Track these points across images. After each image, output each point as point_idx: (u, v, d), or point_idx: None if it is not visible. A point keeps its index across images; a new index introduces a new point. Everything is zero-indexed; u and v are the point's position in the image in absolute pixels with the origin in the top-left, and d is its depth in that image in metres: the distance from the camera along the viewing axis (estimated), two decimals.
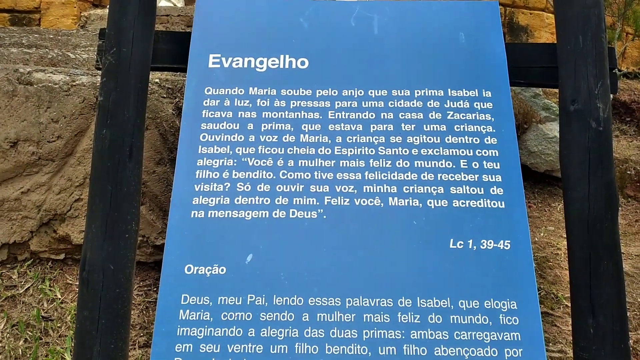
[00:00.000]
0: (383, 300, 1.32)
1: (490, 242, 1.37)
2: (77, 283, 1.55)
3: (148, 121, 1.90)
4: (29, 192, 1.84)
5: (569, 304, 2.02)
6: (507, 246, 1.37)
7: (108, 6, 1.57)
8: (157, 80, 1.98)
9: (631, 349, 2.00)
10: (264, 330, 1.30)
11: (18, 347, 1.62)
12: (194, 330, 1.30)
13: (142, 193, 1.91)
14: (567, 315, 2.12)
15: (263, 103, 1.52)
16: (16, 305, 1.74)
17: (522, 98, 3.35)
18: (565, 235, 1.60)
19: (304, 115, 1.51)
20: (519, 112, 3.27)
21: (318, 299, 1.33)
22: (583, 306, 1.36)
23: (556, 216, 3.04)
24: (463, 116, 1.51)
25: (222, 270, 1.36)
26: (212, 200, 1.42)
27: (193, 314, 1.31)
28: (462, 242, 1.37)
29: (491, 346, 1.28)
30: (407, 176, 1.44)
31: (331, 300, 1.33)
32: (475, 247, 1.37)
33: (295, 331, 1.30)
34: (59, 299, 1.77)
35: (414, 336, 1.29)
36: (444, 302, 1.32)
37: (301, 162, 1.45)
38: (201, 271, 1.36)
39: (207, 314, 1.31)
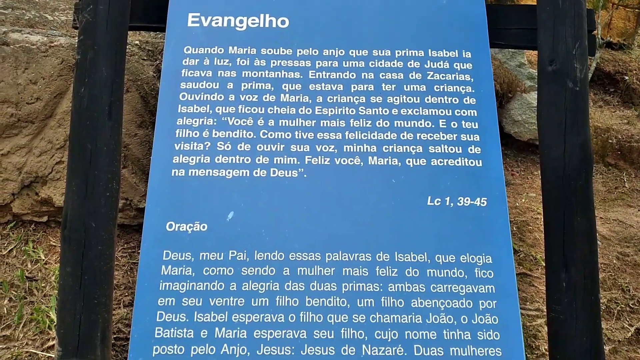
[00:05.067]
0: (362, 255, 1.35)
1: (467, 200, 1.40)
2: (60, 247, 1.56)
3: (129, 83, 1.89)
4: (9, 154, 1.83)
5: (545, 285, 2.07)
6: (483, 203, 1.40)
7: None
8: (137, 42, 1.95)
9: (605, 306, 2.07)
10: (245, 285, 1.32)
11: (2, 305, 1.64)
12: (176, 285, 1.32)
13: (124, 156, 1.91)
14: (545, 276, 2.17)
15: (243, 62, 1.52)
16: (0, 266, 1.74)
17: (507, 67, 3.36)
18: None
19: (285, 74, 1.50)
20: (504, 82, 3.29)
21: (298, 254, 1.35)
22: (556, 261, 1.40)
23: (538, 183, 3.09)
24: (443, 76, 1.52)
25: (204, 227, 1.37)
26: (192, 159, 1.43)
27: (175, 270, 1.33)
28: (439, 200, 1.40)
29: (466, 298, 1.32)
30: (387, 136, 1.45)
31: (311, 255, 1.35)
32: (452, 204, 1.40)
33: (276, 285, 1.33)
34: (43, 260, 1.78)
35: (391, 289, 1.32)
36: (421, 256, 1.35)
37: (281, 122, 1.46)
38: (182, 228, 1.37)
39: (189, 269, 1.33)
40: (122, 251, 1.90)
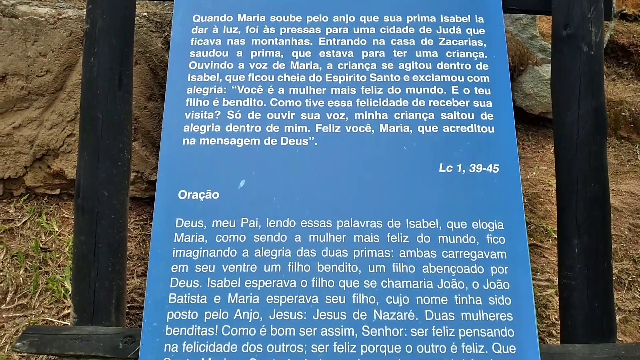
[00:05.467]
0: (373, 222, 1.35)
1: (479, 166, 1.39)
2: (74, 216, 1.57)
3: (137, 56, 1.88)
4: (21, 128, 1.84)
5: (557, 252, 2.06)
6: (495, 170, 1.39)
7: None
8: (144, 14, 1.94)
9: (615, 277, 2.06)
10: (257, 251, 1.33)
11: (19, 275, 1.66)
12: (189, 252, 1.33)
13: (134, 129, 1.91)
14: (555, 247, 2.17)
15: (252, 30, 1.50)
16: (14, 237, 1.77)
17: (519, 40, 3.30)
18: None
19: (294, 42, 1.49)
20: (515, 54, 3.23)
21: (310, 222, 1.36)
22: (569, 228, 1.39)
23: (549, 157, 3.06)
24: (455, 42, 1.49)
25: (216, 195, 1.38)
26: (202, 128, 1.42)
27: (188, 237, 1.34)
28: (451, 166, 1.39)
29: (478, 264, 1.32)
30: (398, 103, 1.44)
31: (322, 222, 1.36)
32: (464, 170, 1.39)
33: (287, 251, 1.33)
34: (57, 231, 1.80)
35: (402, 255, 1.33)
36: (432, 223, 1.35)
37: (291, 90, 1.45)
38: (194, 196, 1.38)
39: (201, 237, 1.34)
40: (134, 223, 1.92)
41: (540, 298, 1.94)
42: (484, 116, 1.43)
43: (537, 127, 3.38)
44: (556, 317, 1.85)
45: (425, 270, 1.32)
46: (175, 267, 1.32)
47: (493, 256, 1.33)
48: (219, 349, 1.27)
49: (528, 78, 3.23)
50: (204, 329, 1.28)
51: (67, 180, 1.90)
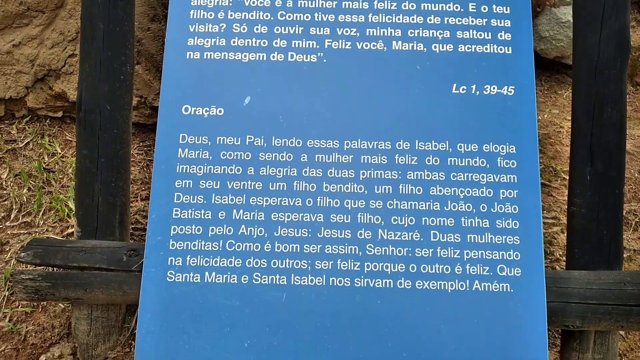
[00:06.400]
0: (381, 143, 1.32)
1: (494, 88, 1.34)
2: (76, 130, 1.54)
3: None
4: (21, 45, 1.78)
5: (567, 177, 2.02)
6: (510, 92, 1.34)
7: None
8: None
9: (624, 218, 2.05)
10: (263, 169, 1.31)
11: (22, 194, 1.66)
12: (193, 167, 1.31)
13: (137, 52, 1.85)
14: (564, 187, 2.14)
15: None
16: (17, 157, 1.75)
17: None
18: (569, 118, 1.55)
19: None
20: None
21: (316, 141, 1.32)
22: (582, 154, 1.35)
23: (561, 102, 2.99)
24: None
25: (220, 111, 1.34)
26: (207, 42, 1.37)
27: (192, 153, 1.32)
28: (465, 87, 1.34)
29: (487, 187, 1.29)
30: (413, 19, 1.37)
31: (329, 142, 1.32)
32: (478, 92, 1.34)
33: (294, 170, 1.31)
34: (59, 153, 1.78)
35: (410, 177, 1.30)
36: (442, 145, 1.32)
37: (300, 3, 1.38)
38: (199, 112, 1.34)
39: (206, 153, 1.32)
40: (137, 149, 1.89)
41: (546, 235, 1.93)
42: (501, 36, 1.36)
43: (551, 73, 3.28)
44: (561, 253, 1.84)
45: (432, 192, 1.29)
46: (179, 182, 1.30)
47: (503, 179, 1.30)
48: (223, 264, 1.26)
49: (544, 20, 3.10)
50: (208, 244, 1.27)
51: (69, 103, 1.87)
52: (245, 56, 1.36)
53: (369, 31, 1.37)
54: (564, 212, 1.99)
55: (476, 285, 1.25)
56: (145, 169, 1.83)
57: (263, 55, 1.36)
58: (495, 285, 1.25)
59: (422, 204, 1.29)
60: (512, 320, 1.24)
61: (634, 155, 2.37)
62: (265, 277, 1.26)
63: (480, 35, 1.36)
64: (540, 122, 2.58)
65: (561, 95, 3.10)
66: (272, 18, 1.37)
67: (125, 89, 1.40)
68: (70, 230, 1.61)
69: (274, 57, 1.36)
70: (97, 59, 1.37)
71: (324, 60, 1.36)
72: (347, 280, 1.25)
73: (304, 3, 1.38)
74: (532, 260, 1.26)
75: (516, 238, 1.27)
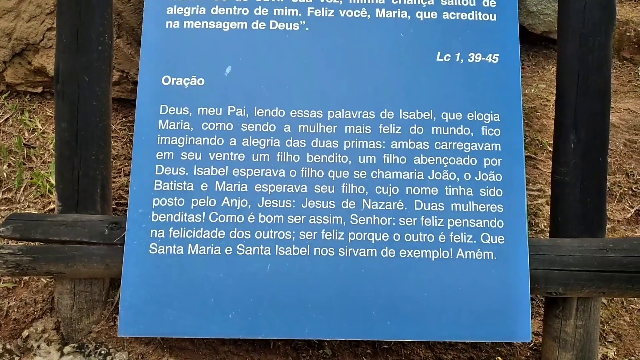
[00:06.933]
0: (365, 113, 1.31)
1: (478, 56, 1.33)
2: (55, 103, 1.51)
3: None
4: None
5: (552, 150, 2.04)
6: (495, 60, 1.33)
7: None
8: None
9: (607, 189, 2.06)
10: (245, 140, 1.29)
11: (2, 170, 1.63)
12: (174, 139, 1.29)
13: (117, 25, 1.81)
14: (550, 160, 2.14)
15: None
16: None
17: None
18: (554, 92, 1.55)
19: None
20: None
21: (299, 111, 1.31)
22: (566, 122, 1.35)
23: (549, 77, 2.98)
24: None
25: (201, 81, 1.32)
26: (187, 10, 1.34)
27: (173, 124, 1.30)
28: (449, 55, 1.33)
29: (471, 155, 1.29)
30: None
31: (313, 112, 1.31)
32: (462, 60, 1.33)
33: (276, 141, 1.29)
34: (40, 129, 1.75)
35: (394, 146, 1.29)
36: (426, 114, 1.31)
37: None
38: (179, 82, 1.31)
39: (187, 124, 1.30)
40: (120, 124, 1.86)
41: (530, 207, 1.94)
42: (486, 3, 1.35)
43: (538, 48, 3.27)
44: (545, 224, 1.86)
45: (416, 162, 1.29)
46: (160, 154, 1.28)
47: (487, 148, 1.29)
48: (206, 235, 1.25)
49: None
50: (191, 216, 1.26)
51: (49, 78, 1.83)
52: (225, 25, 1.34)
53: None
54: (549, 184, 2.00)
55: (460, 253, 1.25)
56: (128, 145, 1.80)
57: (244, 24, 1.34)
58: (479, 253, 1.25)
59: (406, 173, 1.28)
60: (496, 288, 1.25)
61: (619, 128, 2.38)
62: (249, 249, 1.25)
63: (465, 2, 1.34)
64: (527, 95, 2.57)
65: (548, 70, 3.09)
66: None
67: (103, 60, 1.36)
68: (52, 207, 1.58)
69: (255, 25, 1.34)
70: (74, 29, 1.34)
71: (307, 29, 1.34)
72: (331, 250, 1.25)
73: None
74: (515, 228, 1.27)
75: (500, 206, 1.27)
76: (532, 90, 2.68)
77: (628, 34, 3.26)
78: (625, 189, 2.07)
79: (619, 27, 3.26)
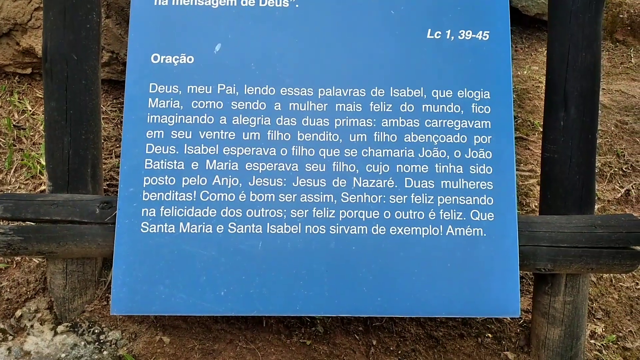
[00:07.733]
0: (356, 91, 1.30)
1: (468, 33, 1.32)
2: (43, 82, 1.49)
3: None
4: None
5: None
6: (485, 37, 1.32)
7: None
8: None
9: (598, 169, 2.07)
10: (235, 119, 1.29)
11: None
12: (164, 117, 1.28)
13: (106, 4, 1.79)
14: (541, 141, 2.16)
15: None
16: None
17: None
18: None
19: None
20: None
21: (290, 89, 1.30)
22: (556, 101, 1.36)
23: (541, 59, 2.98)
24: None
25: (190, 59, 1.31)
26: None
27: (162, 102, 1.29)
28: (439, 33, 1.32)
29: (461, 133, 1.29)
30: None
31: (303, 90, 1.30)
32: (452, 37, 1.32)
33: (267, 119, 1.29)
34: (30, 110, 1.74)
35: (385, 124, 1.29)
36: (417, 91, 1.31)
37: None
38: (168, 60, 1.31)
39: (176, 102, 1.29)
40: (111, 106, 1.85)
41: (522, 187, 1.95)
42: None
43: (532, 30, 3.26)
44: (536, 204, 1.87)
45: (407, 139, 1.29)
46: (150, 133, 1.28)
47: (477, 125, 1.30)
48: (197, 214, 1.26)
49: None
50: (182, 194, 1.26)
51: (37, 59, 1.81)
52: (215, 2, 1.32)
53: None
54: (539, 164, 2.01)
55: (450, 230, 1.26)
56: (119, 126, 1.79)
57: (233, 1, 1.33)
58: (469, 230, 1.26)
59: (396, 151, 1.28)
60: (485, 264, 1.26)
61: (610, 109, 2.39)
62: (240, 227, 1.26)
63: None
64: (520, 77, 2.57)
65: (541, 53, 3.09)
66: None
67: (92, 38, 1.35)
68: (43, 188, 1.58)
69: (244, 2, 1.33)
70: (61, 7, 1.32)
71: (296, 6, 1.33)
72: (322, 227, 1.25)
73: None
74: (505, 205, 1.28)
75: (489, 183, 1.28)
76: (525, 72, 2.68)
77: (621, 15, 3.26)
78: (616, 169, 2.09)
79: (612, 8, 3.26)
